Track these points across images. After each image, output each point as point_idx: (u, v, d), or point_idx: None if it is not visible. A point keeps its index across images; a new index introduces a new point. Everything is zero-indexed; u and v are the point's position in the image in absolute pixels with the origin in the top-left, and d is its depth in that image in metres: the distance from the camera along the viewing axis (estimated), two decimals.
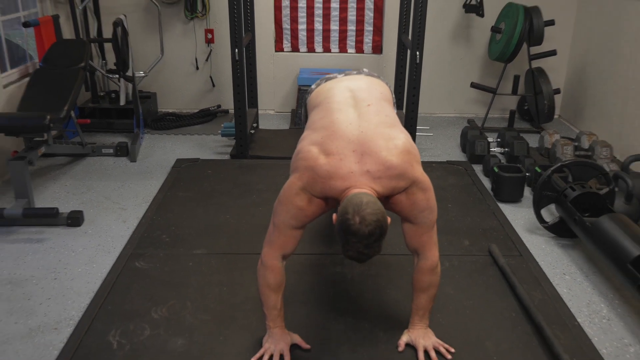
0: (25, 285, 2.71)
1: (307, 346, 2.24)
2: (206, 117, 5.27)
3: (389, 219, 1.84)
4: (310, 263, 2.85)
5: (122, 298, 2.57)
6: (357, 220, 1.77)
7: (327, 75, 2.52)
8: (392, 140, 1.99)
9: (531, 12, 4.68)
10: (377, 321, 2.44)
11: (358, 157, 1.95)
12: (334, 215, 1.89)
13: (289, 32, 5.40)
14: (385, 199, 1.99)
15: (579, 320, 2.51)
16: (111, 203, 3.58)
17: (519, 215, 3.51)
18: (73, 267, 2.87)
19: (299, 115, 5.03)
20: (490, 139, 4.51)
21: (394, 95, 2.56)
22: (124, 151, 4.34)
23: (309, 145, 2.02)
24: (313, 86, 2.51)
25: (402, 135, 2.04)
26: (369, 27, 5.39)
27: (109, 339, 2.30)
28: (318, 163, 1.95)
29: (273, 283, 2.10)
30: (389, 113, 2.19)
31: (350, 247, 1.82)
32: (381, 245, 1.86)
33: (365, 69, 2.58)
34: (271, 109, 5.59)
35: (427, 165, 4.14)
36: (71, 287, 2.70)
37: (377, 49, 5.45)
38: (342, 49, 5.46)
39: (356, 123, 2.04)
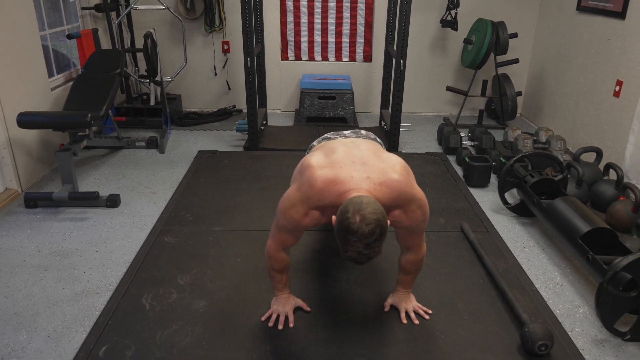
0: (71, 257, 2.71)
1: (309, 309, 2.24)
2: (223, 115, 5.25)
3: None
4: (312, 237, 2.85)
5: (153, 267, 2.56)
6: (357, 219, 1.56)
7: (327, 136, 2.30)
8: (388, 160, 1.85)
9: (498, 27, 4.65)
10: (367, 287, 2.44)
11: (358, 166, 1.78)
12: (333, 217, 1.68)
13: (292, 43, 5.36)
14: None
15: (536, 285, 2.52)
16: (143, 188, 3.57)
17: (486, 198, 3.51)
18: (111, 242, 2.87)
19: (300, 115, 5.00)
20: (462, 134, 4.50)
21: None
22: (154, 144, 4.32)
23: (310, 158, 1.87)
24: (315, 142, 2.34)
25: (395, 157, 1.88)
26: (360, 39, 5.34)
27: (142, 301, 2.30)
28: (317, 173, 1.77)
29: (278, 268, 2.08)
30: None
31: (350, 247, 1.60)
32: (381, 246, 1.63)
33: (363, 131, 2.33)
34: (278, 109, 5.56)
35: (409, 156, 4.13)
36: (110, 258, 2.70)
37: (368, 57, 5.41)
38: (338, 57, 5.42)
39: (354, 149, 1.89)
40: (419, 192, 1.85)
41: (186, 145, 4.46)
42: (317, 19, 5.25)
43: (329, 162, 1.81)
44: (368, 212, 1.57)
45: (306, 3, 5.18)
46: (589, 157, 3.86)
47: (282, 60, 5.39)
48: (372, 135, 2.32)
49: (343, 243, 1.62)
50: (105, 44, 4.88)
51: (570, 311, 2.36)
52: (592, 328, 2.25)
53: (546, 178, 3.07)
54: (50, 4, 4.21)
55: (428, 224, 2.98)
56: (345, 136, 2.23)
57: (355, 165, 1.79)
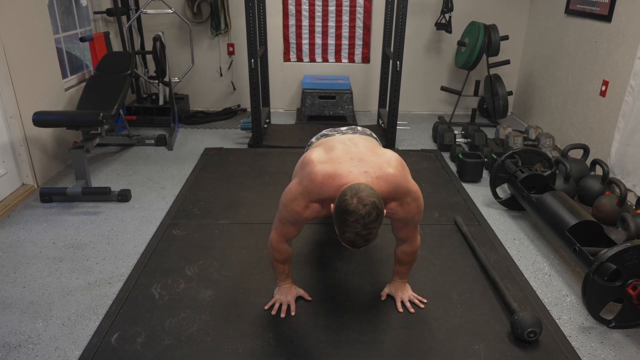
0: (85, 249, 2.71)
1: (309, 298, 2.24)
2: (228, 114, 5.23)
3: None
4: (313, 230, 2.85)
5: (162, 258, 2.56)
6: (354, 200, 1.56)
7: (325, 132, 2.29)
8: (384, 155, 1.84)
9: (490, 29, 4.62)
10: (365, 277, 2.43)
11: (356, 162, 1.78)
12: (332, 206, 1.68)
13: (294, 45, 5.34)
14: None
15: (525, 275, 2.51)
16: (153, 183, 3.57)
17: (479, 193, 3.50)
18: (123, 234, 2.87)
19: (302, 113, 4.99)
20: (456, 132, 4.48)
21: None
22: (163, 142, 4.31)
23: (310, 154, 1.86)
24: (313, 139, 2.33)
25: (391, 153, 1.87)
26: (359, 42, 5.32)
27: (152, 291, 2.30)
28: (317, 168, 1.77)
29: (280, 259, 2.08)
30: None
31: (347, 229, 1.58)
32: (377, 230, 1.62)
33: (359, 128, 2.29)
34: (280, 108, 5.55)
35: (405, 153, 4.12)
36: (121, 250, 2.70)
37: (366, 59, 5.38)
38: (338, 59, 5.39)
39: (352, 147, 1.89)
40: (413, 185, 1.85)
41: (193, 142, 4.45)
42: (318, 22, 5.23)
43: (329, 158, 1.81)
44: (365, 195, 1.57)
45: (307, 7, 5.16)
46: (577, 154, 3.85)
47: (284, 61, 5.37)
48: (368, 132, 2.30)
49: (341, 225, 1.60)
50: (116, 46, 4.87)
51: (558, 300, 2.35)
52: (579, 316, 2.25)
53: (535, 173, 3.06)
54: (64, 9, 4.19)
55: (423, 217, 2.98)
56: (343, 132, 2.22)
57: (353, 161, 1.79)
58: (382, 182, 1.74)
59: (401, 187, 1.78)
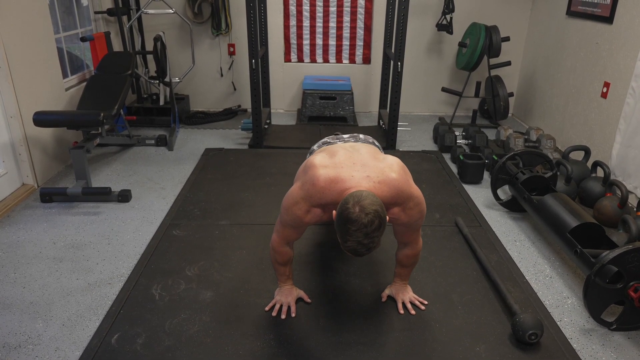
0: (85, 249, 2.71)
1: (309, 300, 2.24)
2: (229, 114, 5.23)
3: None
4: (313, 231, 2.84)
5: (162, 259, 2.56)
6: (357, 209, 1.55)
7: (327, 140, 2.27)
8: (386, 160, 1.84)
9: (491, 30, 4.63)
10: (365, 279, 2.43)
11: (358, 167, 1.78)
12: (334, 213, 1.67)
13: (295, 46, 5.33)
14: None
15: (527, 277, 2.51)
16: (153, 183, 3.57)
17: (480, 194, 3.50)
18: (123, 235, 2.86)
19: (302, 115, 4.99)
20: (456, 133, 4.48)
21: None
22: (163, 142, 4.31)
23: (313, 158, 1.86)
24: (315, 147, 2.32)
25: (393, 158, 1.87)
26: (360, 42, 5.32)
27: (152, 291, 2.30)
28: (320, 172, 1.76)
29: (281, 261, 2.08)
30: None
31: (349, 237, 1.57)
32: (380, 238, 1.60)
33: (361, 136, 2.26)
34: (281, 109, 5.55)
35: (405, 154, 4.12)
36: (121, 250, 2.70)
37: (367, 60, 5.38)
38: (339, 60, 5.39)
39: (354, 153, 1.89)
40: (416, 190, 1.84)
41: (194, 143, 4.45)
42: (319, 23, 5.23)
43: (331, 163, 1.81)
44: (367, 203, 1.56)
45: (308, 7, 5.16)
46: (578, 155, 3.85)
47: (285, 62, 5.37)
48: (370, 139, 2.28)
49: (343, 233, 1.59)
50: (117, 46, 4.87)
51: (559, 302, 2.35)
52: (580, 318, 2.24)
53: (536, 175, 3.06)
54: (65, 9, 4.19)
55: (424, 220, 2.98)
56: (345, 140, 2.21)
57: (355, 166, 1.78)
58: (384, 187, 1.74)
59: (403, 192, 1.78)
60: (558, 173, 3.24)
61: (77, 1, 4.37)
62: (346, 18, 5.21)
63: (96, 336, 2.02)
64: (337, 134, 2.30)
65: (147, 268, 2.48)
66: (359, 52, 5.37)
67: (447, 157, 4.19)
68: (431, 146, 4.50)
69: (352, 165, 1.79)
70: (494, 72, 5.14)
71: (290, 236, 1.96)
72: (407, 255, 2.10)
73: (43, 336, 2.05)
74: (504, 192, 3.49)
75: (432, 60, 5.33)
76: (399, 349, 1.98)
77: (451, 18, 4.90)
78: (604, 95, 3.66)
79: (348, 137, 2.24)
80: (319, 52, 5.36)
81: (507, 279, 2.44)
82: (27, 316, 2.17)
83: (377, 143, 2.31)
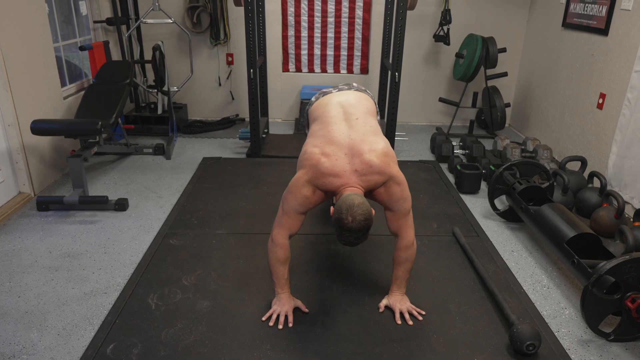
0: (81, 258, 2.70)
1: (307, 310, 2.23)
2: (227, 124, 5.24)
3: (372, 211, 1.89)
4: (311, 241, 2.84)
5: (159, 268, 2.55)
6: (349, 219, 1.83)
7: (324, 90, 2.52)
8: (374, 145, 2.03)
9: (488, 42, 4.67)
10: (363, 288, 2.43)
11: (349, 158, 2.00)
12: (332, 209, 1.93)
13: (293, 56, 5.37)
14: (369, 192, 2.04)
15: (524, 288, 2.51)
16: (150, 192, 3.56)
17: (477, 204, 3.51)
18: (119, 244, 2.85)
19: (302, 123, 5.00)
20: (454, 143, 4.50)
21: (377, 107, 2.55)
22: (161, 151, 4.31)
23: (311, 148, 2.07)
24: (313, 99, 2.51)
25: (382, 142, 2.07)
26: (357, 53, 5.35)
27: (148, 301, 2.29)
28: (320, 162, 1.99)
29: (282, 257, 2.10)
30: (373, 124, 2.21)
31: (343, 237, 1.90)
32: (367, 235, 1.93)
33: (355, 84, 2.57)
34: (279, 118, 5.56)
35: (403, 164, 4.13)
36: (118, 260, 2.69)
37: (364, 70, 5.42)
38: (336, 70, 5.43)
39: (347, 133, 2.09)
40: (397, 171, 2.04)
41: (191, 152, 4.45)
42: (317, 33, 5.27)
43: (326, 153, 2.01)
44: (357, 214, 1.84)
45: (306, 18, 5.20)
46: (574, 166, 3.86)
47: (283, 71, 5.40)
48: (362, 88, 2.54)
49: (338, 233, 1.91)
50: (116, 55, 4.88)
51: (556, 312, 2.35)
52: (578, 329, 2.24)
53: (533, 185, 3.07)
54: (64, 18, 4.21)
55: (421, 228, 2.99)
56: (339, 89, 2.47)
57: (347, 157, 2.00)
58: (369, 178, 2.00)
59: (384, 174, 2.00)
60: (555, 183, 3.25)
61: (77, 10, 4.39)
62: (344, 29, 5.25)
63: (91, 346, 2.00)
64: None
65: (144, 277, 2.47)
66: (357, 62, 5.40)
67: (444, 167, 4.20)
68: (428, 156, 4.52)
69: (344, 156, 2.00)
70: (490, 83, 5.18)
71: (293, 225, 2.07)
72: (399, 248, 2.16)
73: (38, 346, 2.04)
74: (501, 202, 3.50)
75: (430, 70, 5.37)
76: (397, 359, 1.97)
77: (448, 29, 4.95)
78: (599, 106, 3.69)
79: (342, 86, 2.52)
80: (317, 62, 5.40)
81: (504, 290, 2.44)
82: (22, 326, 2.15)
83: (369, 92, 2.55)
